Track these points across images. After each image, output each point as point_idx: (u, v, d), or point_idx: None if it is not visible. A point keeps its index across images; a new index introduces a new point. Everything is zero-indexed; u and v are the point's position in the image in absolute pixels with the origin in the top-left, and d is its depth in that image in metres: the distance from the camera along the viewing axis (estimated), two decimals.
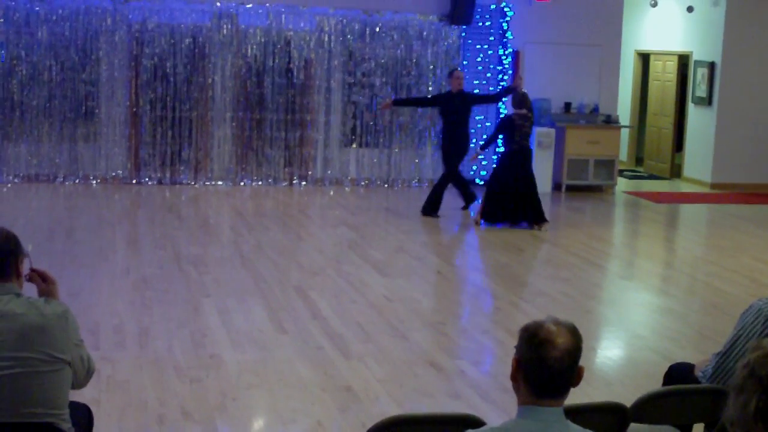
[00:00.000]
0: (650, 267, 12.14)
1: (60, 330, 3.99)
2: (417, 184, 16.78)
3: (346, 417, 6.38)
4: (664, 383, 5.55)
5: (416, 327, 8.58)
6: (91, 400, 5.68)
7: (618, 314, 9.58)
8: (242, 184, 16.22)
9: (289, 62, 16.33)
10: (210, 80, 16.01)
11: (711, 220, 15.54)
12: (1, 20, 15.12)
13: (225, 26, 15.94)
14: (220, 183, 16.13)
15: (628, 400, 4.47)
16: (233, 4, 15.90)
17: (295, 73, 16.37)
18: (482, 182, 16.86)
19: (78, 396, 5.04)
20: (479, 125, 16.88)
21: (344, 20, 16.39)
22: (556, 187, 17.09)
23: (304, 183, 16.52)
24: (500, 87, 16.29)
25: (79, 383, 4.15)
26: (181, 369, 7.13)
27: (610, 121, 17.46)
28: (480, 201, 14.00)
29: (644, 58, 20.61)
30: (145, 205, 14.24)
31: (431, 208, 14.08)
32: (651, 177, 19.64)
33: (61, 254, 10.64)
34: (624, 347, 8.61)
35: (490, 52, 17.05)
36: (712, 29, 18.10)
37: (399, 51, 16.68)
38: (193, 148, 16.12)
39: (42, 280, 4.25)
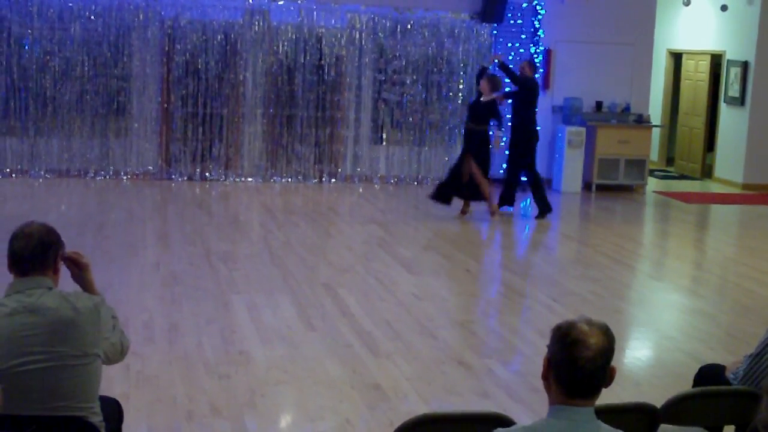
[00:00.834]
0: (680, 267, 12.08)
1: (91, 324, 4.01)
2: None
3: (375, 415, 6.37)
4: (695, 384, 5.52)
5: (445, 325, 8.57)
6: (120, 395, 5.70)
7: (648, 315, 9.53)
8: (272, 180, 16.24)
9: (320, 59, 16.34)
10: (241, 77, 16.04)
11: (742, 220, 15.43)
12: (36, 16, 15.20)
13: (257, 23, 15.96)
14: (250, 179, 16.16)
15: (656, 400, 4.44)
16: (265, 1, 15.92)
17: (325, 70, 16.37)
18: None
19: (107, 390, 5.07)
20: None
21: (375, 17, 16.38)
22: (587, 186, 17.02)
23: (333, 180, 16.52)
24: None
25: (113, 361, 4.21)
26: (210, 365, 7.14)
27: (642, 121, 17.37)
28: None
29: (676, 57, 20.49)
30: (176, 201, 14.29)
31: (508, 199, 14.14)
32: (682, 177, 19.52)
33: (92, 249, 10.68)
34: (653, 348, 8.57)
35: (521, 50, 16.98)
36: (745, 28, 17.97)
37: (430, 49, 16.65)
38: (224, 144, 16.17)
39: (75, 265, 4.27)
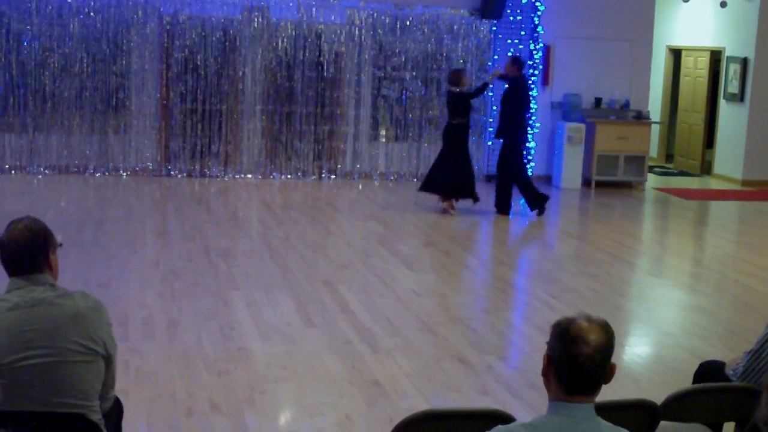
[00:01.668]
0: (680, 264, 12.08)
1: (94, 321, 4.00)
2: None
3: (374, 411, 6.38)
4: (695, 381, 5.52)
5: (444, 322, 8.57)
6: (120, 391, 5.67)
7: (647, 311, 9.53)
8: (271, 177, 16.24)
9: (319, 55, 16.34)
10: (240, 73, 16.04)
11: (741, 217, 15.43)
12: (35, 12, 15.19)
13: (256, 19, 15.96)
14: (249, 176, 16.16)
15: (656, 397, 4.44)
16: None
17: (325, 67, 16.37)
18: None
19: None
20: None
21: (375, 14, 16.38)
22: (586, 182, 17.02)
23: (333, 176, 16.52)
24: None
25: (107, 388, 4.17)
26: (209, 361, 7.15)
27: (641, 117, 17.38)
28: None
29: (676, 53, 20.49)
30: (175, 198, 14.28)
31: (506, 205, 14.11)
32: (681, 173, 19.53)
33: (91, 245, 10.69)
34: (653, 344, 8.57)
35: (521, 46, 16.97)
36: (745, 24, 17.96)
37: (429, 45, 16.66)
38: (223, 140, 16.16)
39: None
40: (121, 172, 15.76)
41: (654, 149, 20.07)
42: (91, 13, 15.40)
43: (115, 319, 4.38)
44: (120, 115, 15.81)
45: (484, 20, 16.72)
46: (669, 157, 20.91)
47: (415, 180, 16.52)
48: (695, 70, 19.76)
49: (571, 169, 16.78)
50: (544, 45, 17.03)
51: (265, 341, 7.71)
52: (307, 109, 16.38)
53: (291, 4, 16.02)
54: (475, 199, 13.78)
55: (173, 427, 5.98)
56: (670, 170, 19.97)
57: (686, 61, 20.12)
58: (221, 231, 11.97)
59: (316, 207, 14.14)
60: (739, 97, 17.99)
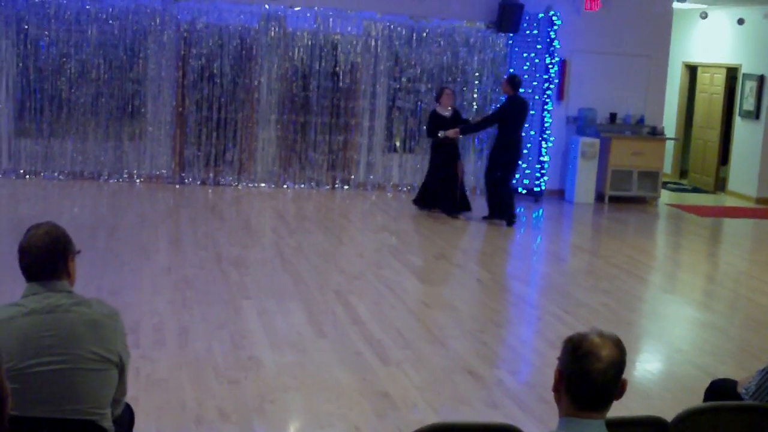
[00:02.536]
0: (692, 281, 12.04)
1: (110, 330, 4.00)
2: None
3: (383, 423, 6.36)
4: (706, 399, 5.50)
5: (455, 335, 8.55)
6: (130, 398, 5.67)
7: (659, 328, 9.50)
8: (285, 186, 16.26)
9: (335, 66, 16.37)
10: (256, 82, 16.07)
11: (755, 235, 15.39)
12: (53, 18, 15.25)
13: (273, 28, 15.99)
14: (263, 185, 16.18)
15: (667, 414, 4.41)
16: (281, 7, 15.94)
17: (340, 77, 16.39)
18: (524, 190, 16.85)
19: None
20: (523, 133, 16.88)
21: (391, 25, 16.39)
22: (599, 197, 16.99)
23: (346, 187, 16.53)
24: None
25: (119, 395, 4.16)
26: (219, 370, 7.15)
27: (656, 133, 17.35)
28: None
29: (692, 70, 20.46)
30: (188, 205, 14.30)
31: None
32: (695, 190, 19.48)
33: (104, 252, 10.71)
34: (664, 361, 8.54)
35: (536, 60, 16.98)
36: (762, 42, 17.93)
37: (445, 57, 16.67)
38: (237, 149, 16.19)
39: None
40: (136, 178, 15.80)
41: (668, 165, 20.04)
42: (109, 20, 15.45)
43: (127, 326, 4.37)
44: (135, 122, 15.85)
45: (500, 33, 16.72)
46: (683, 174, 20.88)
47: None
48: (711, 86, 19.73)
49: (584, 184, 16.76)
50: (560, 59, 17.03)
51: (275, 351, 7.70)
52: (321, 119, 16.39)
53: (308, 15, 16.05)
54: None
55: None
56: (684, 186, 19.93)
57: (702, 77, 20.08)
58: (234, 239, 11.98)
59: (329, 217, 14.14)
60: (755, 115, 17.95)
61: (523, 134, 14.56)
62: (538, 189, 16.93)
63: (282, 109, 16.24)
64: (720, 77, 19.42)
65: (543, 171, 16.97)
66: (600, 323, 8.79)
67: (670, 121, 19.59)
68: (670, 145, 19.58)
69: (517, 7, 16.40)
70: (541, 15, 16.85)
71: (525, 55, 16.96)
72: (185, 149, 16.01)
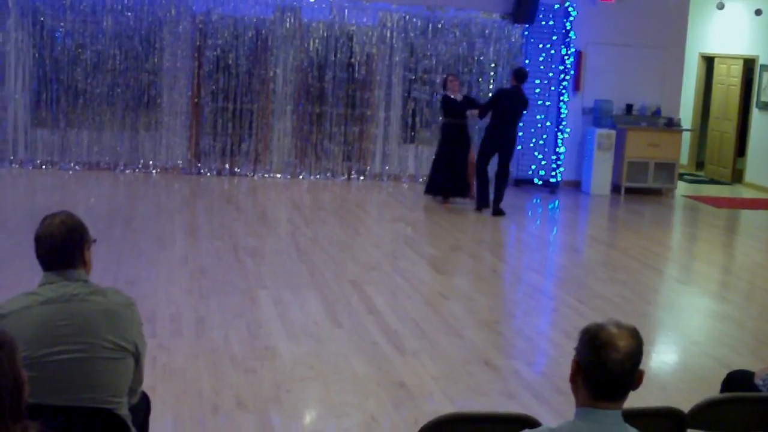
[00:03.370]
0: (709, 272, 12.01)
1: (126, 319, 4.01)
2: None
3: (400, 413, 6.37)
4: (722, 390, 5.48)
5: (471, 325, 8.55)
6: (147, 387, 5.69)
7: (675, 319, 9.48)
8: (301, 177, 16.28)
9: (350, 57, 16.37)
10: (272, 73, 16.08)
11: None
12: (68, 9, 15.29)
13: (288, 19, 15.99)
14: (278, 175, 16.20)
15: (683, 405, 4.41)
16: None
17: (356, 68, 16.40)
18: (540, 182, 16.84)
19: None
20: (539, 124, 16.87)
21: (407, 16, 16.38)
22: (615, 189, 16.95)
23: (362, 178, 16.54)
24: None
25: (135, 384, 4.18)
26: (236, 359, 7.16)
27: (672, 124, 17.30)
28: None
29: (709, 61, 20.38)
30: (204, 196, 14.33)
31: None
32: (711, 181, 19.43)
33: (120, 242, 10.74)
34: (680, 352, 8.52)
35: (552, 51, 16.95)
36: None
37: (461, 48, 16.65)
38: (253, 140, 16.22)
39: None
40: (152, 169, 15.83)
41: (685, 157, 19.98)
42: (125, 11, 15.48)
43: (143, 316, 4.39)
44: (151, 113, 15.89)
45: (516, 24, 16.68)
46: (700, 165, 20.82)
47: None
48: (728, 77, 19.66)
49: (600, 176, 16.73)
50: (576, 50, 16.98)
51: (291, 340, 7.72)
52: (337, 110, 16.41)
53: (323, 5, 16.06)
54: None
55: (199, 423, 6.00)
56: (700, 178, 19.88)
57: (719, 68, 20.02)
58: (250, 230, 12.00)
59: (345, 208, 14.15)
60: None
61: (516, 127, 14.43)
62: (554, 180, 16.90)
63: (297, 100, 16.26)
64: (737, 68, 19.34)
65: (559, 162, 16.95)
66: (616, 314, 8.77)
67: (686, 113, 19.53)
68: (686, 137, 19.52)
69: None
70: (557, 6, 16.82)
71: (541, 46, 16.93)
72: (201, 140, 16.04)
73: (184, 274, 9.60)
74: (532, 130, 16.91)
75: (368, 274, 10.13)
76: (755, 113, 18.50)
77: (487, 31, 16.71)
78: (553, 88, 16.89)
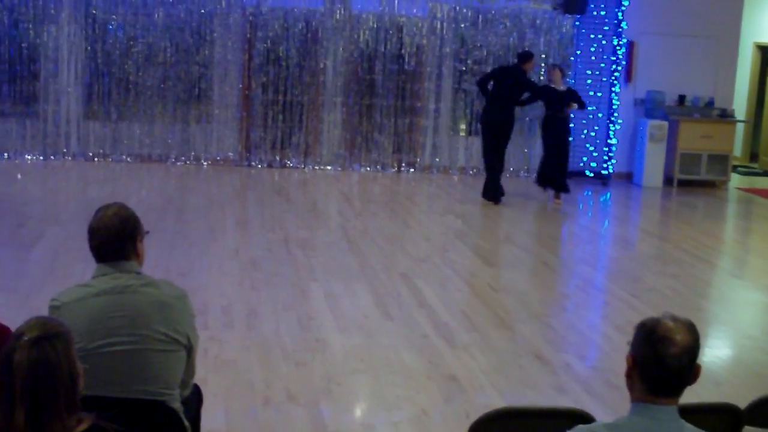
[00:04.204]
0: (762, 265, 11.86)
1: (178, 311, 4.02)
2: (525, 174, 16.64)
3: (451, 406, 6.34)
4: None
5: (522, 318, 8.50)
6: (198, 379, 5.70)
7: (728, 313, 9.37)
8: (351, 169, 16.29)
9: (400, 48, 16.35)
10: (321, 65, 16.10)
11: None
12: (120, 2, 15.40)
13: (338, 11, 16.00)
14: (328, 167, 16.22)
15: (737, 400, 4.34)
16: None
17: (406, 60, 16.37)
18: (591, 173, 16.72)
19: None
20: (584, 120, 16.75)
21: (457, 7, 16.32)
22: (668, 181, 16.79)
23: (412, 170, 16.52)
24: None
25: (187, 377, 4.19)
26: (287, 351, 7.17)
27: (726, 116, 17.10)
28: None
29: (764, 50, 20.14)
30: (255, 188, 14.38)
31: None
32: (766, 174, 19.20)
33: (172, 233, 10.80)
34: (734, 347, 8.42)
35: (604, 42, 16.82)
36: None
37: (511, 39, 16.56)
38: (303, 132, 16.25)
39: None
40: (203, 161, 15.92)
41: (738, 148, 19.75)
42: (176, 3, 15.56)
43: (195, 308, 4.40)
44: (202, 105, 15.98)
45: (567, 15, 16.57)
46: (754, 157, 20.58)
47: None
48: None
49: (653, 167, 16.57)
50: (627, 41, 16.83)
51: (342, 333, 7.71)
52: (387, 102, 16.40)
53: None
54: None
55: (250, 415, 6.01)
56: (754, 170, 19.65)
57: None
58: (300, 222, 12.02)
59: (395, 200, 14.14)
60: None
61: (509, 110, 14.08)
62: (606, 172, 16.78)
63: (347, 92, 16.27)
64: None
65: (611, 154, 16.82)
66: (668, 308, 8.64)
67: (740, 104, 19.29)
68: (740, 128, 19.28)
69: None
70: None
71: (592, 36, 16.81)
72: (251, 132, 16.10)
73: (236, 265, 9.63)
74: (584, 121, 16.79)
75: (418, 267, 10.10)
76: None
77: (537, 22, 16.61)
78: (604, 79, 16.76)
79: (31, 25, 15.29)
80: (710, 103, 17.16)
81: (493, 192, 13.90)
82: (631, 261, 11.50)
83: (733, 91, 17.73)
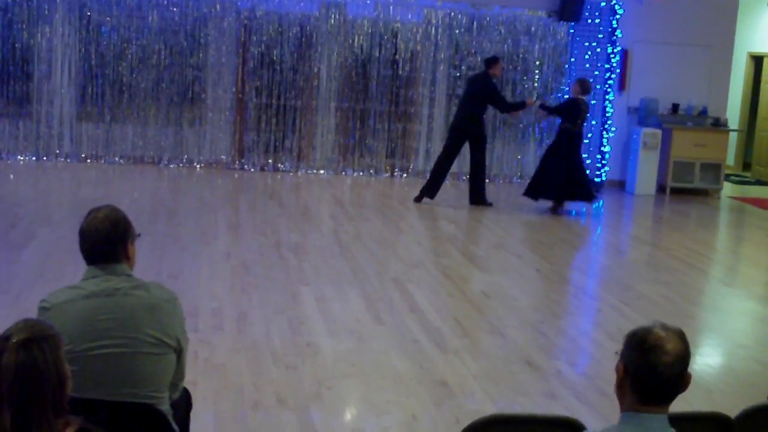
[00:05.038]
0: (754, 274, 11.87)
1: (168, 314, 4.01)
2: (518, 180, 16.65)
3: (441, 411, 6.33)
4: None
5: (513, 324, 8.50)
6: (188, 382, 5.68)
7: (720, 321, 9.37)
8: (344, 173, 16.28)
9: (395, 54, 16.35)
10: (316, 69, 16.09)
11: None
12: (114, 4, 15.37)
13: (333, 16, 15.99)
14: (321, 172, 16.21)
15: (728, 410, 4.33)
16: None
17: (400, 65, 16.37)
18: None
19: None
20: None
21: (452, 13, 16.33)
22: (661, 189, 16.81)
23: (405, 175, 16.52)
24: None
25: (176, 379, 4.17)
26: (277, 355, 7.15)
27: (719, 124, 17.12)
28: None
29: (757, 60, 20.17)
30: (247, 191, 14.36)
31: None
32: (758, 183, 19.23)
33: (164, 236, 10.78)
34: (725, 355, 8.42)
35: (598, 49, 16.83)
36: None
37: (506, 46, 16.57)
38: (297, 136, 16.25)
39: None
40: (195, 164, 15.90)
41: (731, 157, 19.77)
42: (170, 6, 15.55)
43: (185, 310, 4.39)
44: (195, 108, 15.96)
45: (561, 22, 16.59)
46: (746, 166, 20.61)
47: (488, 181, 16.42)
48: None
49: (645, 175, 16.59)
50: (621, 49, 16.85)
51: (333, 337, 7.70)
52: (381, 107, 16.40)
53: (368, 2, 16.04)
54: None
55: (240, 419, 5.99)
56: (747, 179, 19.67)
57: None
58: (292, 225, 12.01)
59: (388, 205, 14.13)
60: None
61: (467, 115, 14.10)
62: (599, 180, 16.79)
63: (341, 97, 16.26)
64: None
65: (604, 161, 16.84)
66: (660, 316, 8.68)
67: (733, 113, 19.32)
68: (733, 137, 19.32)
69: None
70: (603, 4, 16.70)
71: (586, 44, 16.82)
72: (245, 135, 16.09)
73: (227, 269, 9.61)
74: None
75: (410, 272, 10.09)
76: None
77: (532, 29, 16.63)
78: (598, 87, 16.77)
79: (24, 26, 15.25)
80: (704, 112, 17.18)
81: (477, 196, 13.98)
82: (622, 268, 11.50)
83: (727, 100, 17.75)
